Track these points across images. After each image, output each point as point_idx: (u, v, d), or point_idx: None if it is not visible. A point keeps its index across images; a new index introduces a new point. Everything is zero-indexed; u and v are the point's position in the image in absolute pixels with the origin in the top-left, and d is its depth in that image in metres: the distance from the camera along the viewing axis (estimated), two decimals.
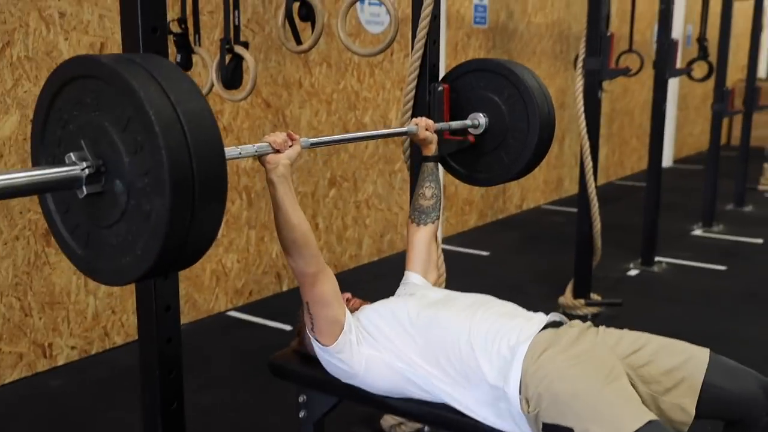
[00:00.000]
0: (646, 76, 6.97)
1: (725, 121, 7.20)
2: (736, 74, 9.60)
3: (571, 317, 1.79)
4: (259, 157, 1.62)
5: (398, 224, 4.90)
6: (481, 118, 2.28)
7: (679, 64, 4.68)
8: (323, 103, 4.22)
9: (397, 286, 2.06)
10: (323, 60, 4.17)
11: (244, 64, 2.66)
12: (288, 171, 1.63)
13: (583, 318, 3.59)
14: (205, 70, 3.01)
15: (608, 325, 1.77)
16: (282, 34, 2.55)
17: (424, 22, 2.27)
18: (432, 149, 2.14)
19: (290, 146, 1.65)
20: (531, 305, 1.85)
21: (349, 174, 4.48)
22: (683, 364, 1.60)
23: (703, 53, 6.14)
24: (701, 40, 6.13)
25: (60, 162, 1.26)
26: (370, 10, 4.43)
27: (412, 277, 2.05)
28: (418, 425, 2.51)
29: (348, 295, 1.94)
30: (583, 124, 3.56)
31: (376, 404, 1.85)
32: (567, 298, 3.77)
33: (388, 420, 2.52)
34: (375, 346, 1.77)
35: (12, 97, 2.81)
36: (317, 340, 1.78)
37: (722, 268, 4.61)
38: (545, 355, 1.58)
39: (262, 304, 3.91)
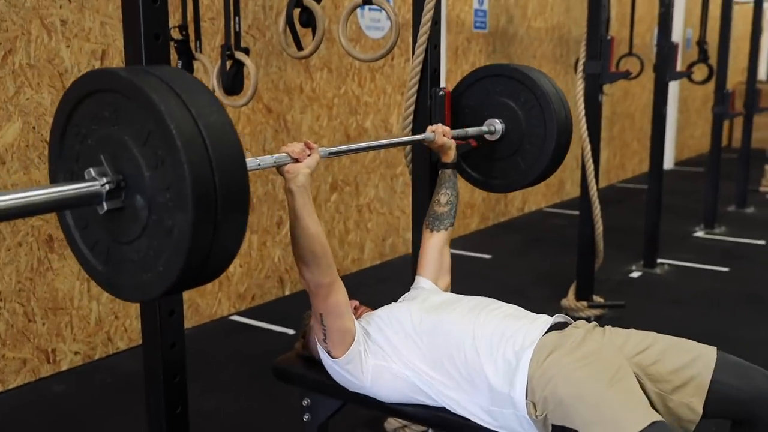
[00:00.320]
0: (646, 79, 6.98)
1: (726, 124, 7.20)
2: (736, 77, 9.61)
3: (574, 319, 1.79)
4: (278, 168, 1.61)
5: (400, 228, 4.90)
6: (497, 124, 2.28)
7: (679, 67, 4.69)
8: (324, 108, 4.23)
9: (400, 289, 2.07)
10: (324, 65, 4.18)
11: (245, 70, 2.67)
12: (308, 181, 1.62)
13: (587, 320, 3.58)
14: (206, 77, 3.02)
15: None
16: (283, 39, 2.56)
17: (424, 27, 2.28)
18: (450, 155, 2.14)
19: (308, 155, 1.64)
20: (533, 308, 1.85)
21: (350, 178, 4.49)
22: (691, 362, 1.60)
23: (703, 56, 6.15)
24: (701, 43, 6.14)
25: (79, 177, 1.23)
26: (370, 15, 4.44)
27: (422, 282, 2.04)
28: (422, 428, 2.52)
29: (356, 302, 1.94)
30: (584, 127, 3.57)
31: (381, 407, 1.85)
32: (569, 300, 3.78)
33: (392, 423, 2.52)
34: (381, 356, 1.76)
35: (14, 105, 2.83)
36: (329, 353, 1.77)
37: (724, 269, 4.61)
38: (551, 358, 1.58)
39: (264, 309, 3.91)
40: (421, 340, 1.74)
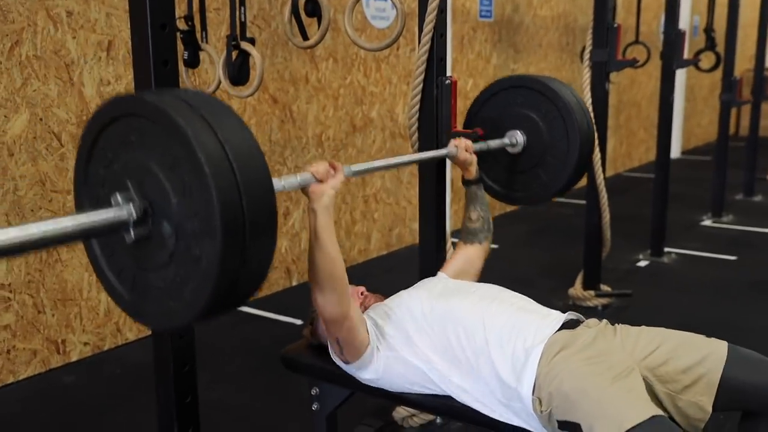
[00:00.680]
0: (653, 67, 6.94)
1: (733, 111, 7.16)
2: (743, 64, 9.53)
3: (581, 309, 1.79)
4: (303, 188, 1.59)
5: (406, 218, 4.90)
6: (519, 136, 2.26)
7: (686, 55, 4.66)
8: (330, 98, 4.22)
9: (406, 279, 2.07)
10: (329, 55, 4.17)
11: (251, 60, 2.66)
12: (332, 202, 1.61)
13: (593, 309, 3.59)
14: (212, 67, 3.02)
15: (618, 316, 1.76)
16: (288, 29, 2.56)
17: (430, 16, 2.27)
18: (472, 171, 2.12)
19: (333, 176, 1.62)
20: (540, 298, 1.85)
21: None
22: (701, 360, 1.59)
23: (710, 43, 6.11)
24: (708, 30, 6.10)
25: (104, 203, 1.21)
26: (375, 5, 4.43)
27: (438, 275, 2.04)
28: (430, 417, 2.53)
29: (362, 289, 1.94)
30: (591, 115, 3.55)
31: (389, 397, 1.86)
32: (577, 289, 3.78)
33: (400, 412, 2.53)
34: (391, 347, 1.76)
35: (21, 96, 2.83)
36: (345, 362, 1.79)
37: (732, 258, 4.60)
38: (559, 355, 1.57)
39: (272, 299, 3.92)
40: (432, 329, 1.74)
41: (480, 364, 1.65)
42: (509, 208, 6.09)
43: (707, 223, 5.57)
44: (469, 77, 5.28)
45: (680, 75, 8.21)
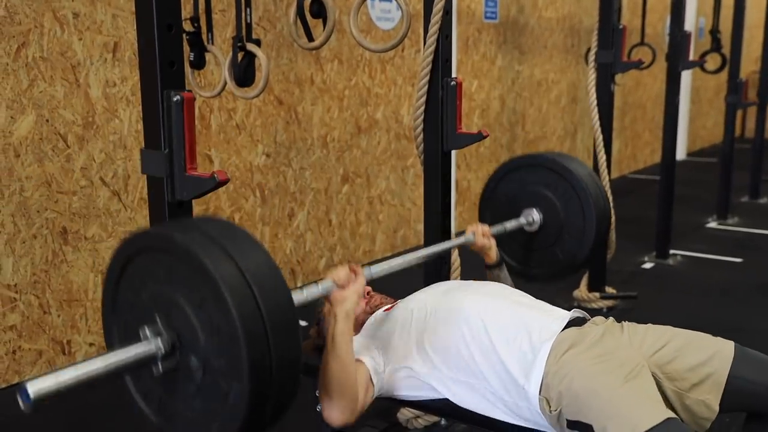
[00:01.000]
0: (658, 68, 6.92)
1: (739, 113, 7.14)
2: (749, 66, 9.51)
3: (586, 311, 1.78)
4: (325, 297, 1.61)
5: (411, 220, 4.90)
6: (535, 214, 2.27)
7: (691, 57, 4.66)
8: (335, 100, 4.23)
9: (411, 280, 2.06)
10: (335, 57, 4.18)
11: (257, 62, 2.67)
12: (354, 307, 1.61)
13: (598, 311, 3.58)
14: (218, 68, 3.02)
15: (624, 319, 1.76)
16: (293, 31, 2.56)
17: (436, 17, 2.27)
18: (492, 256, 2.10)
19: (354, 281, 1.62)
20: (545, 299, 1.84)
21: (361, 170, 4.49)
22: (708, 359, 1.59)
23: (716, 45, 6.09)
24: (714, 31, 6.07)
25: (133, 331, 1.23)
26: (380, 6, 4.43)
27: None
28: (435, 418, 2.52)
29: (368, 288, 1.93)
30: (596, 117, 3.56)
31: (394, 399, 1.85)
32: (582, 291, 3.77)
33: (405, 413, 2.53)
34: (395, 359, 1.75)
35: (28, 98, 2.84)
36: None
37: (738, 260, 4.59)
38: (568, 354, 1.57)
39: None
40: (435, 332, 1.73)
41: (487, 362, 1.64)
42: None
43: (713, 225, 5.55)
44: (474, 78, 5.28)
45: (686, 77, 8.21)
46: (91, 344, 3.17)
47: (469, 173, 5.34)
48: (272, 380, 1.15)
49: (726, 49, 5.90)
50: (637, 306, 3.68)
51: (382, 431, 2.50)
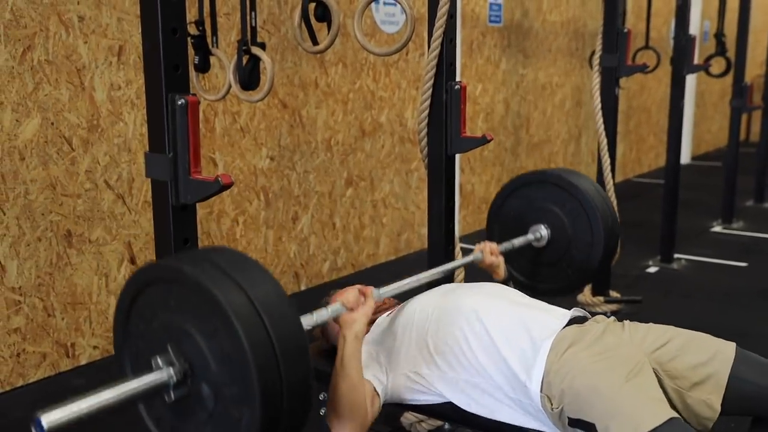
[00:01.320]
0: (663, 72, 6.93)
1: (744, 117, 7.13)
2: (754, 70, 9.49)
3: (591, 315, 1.79)
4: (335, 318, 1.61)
5: (415, 223, 4.90)
6: (542, 230, 2.28)
7: (696, 60, 4.65)
8: (339, 103, 4.23)
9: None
10: (339, 60, 4.18)
11: (261, 65, 2.67)
12: (363, 330, 1.62)
13: (604, 315, 3.57)
14: (223, 72, 3.03)
15: None
16: (298, 34, 2.56)
17: (440, 21, 2.27)
18: (501, 273, 2.12)
19: (363, 303, 1.63)
20: (549, 302, 1.84)
21: (365, 173, 4.49)
22: (710, 359, 1.59)
23: (720, 49, 6.07)
24: (719, 35, 6.06)
25: (144, 358, 1.25)
26: (385, 10, 4.43)
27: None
28: (438, 423, 2.52)
29: (379, 303, 1.93)
30: (601, 121, 3.55)
31: (397, 403, 1.85)
32: (586, 295, 3.76)
33: (408, 417, 2.52)
34: (397, 366, 1.76)
35: (33, 101, 2.85)
36: None
37: (742, 264, 4.57)
38: (569, 351, 1.57)
39: None
40: (436, 333, 1.73)
41: (490, 360, 1.65)
42: None
43: (717, 229, 5.54)
44: (479, 82, 5.28)
45: (690, 80, 8.18)
46: (95, 347, 3.17)
47: (473, 177, 5.33)
48: (283, 406, 1.17)
49: (731, 53, 5.89)
50: (642, 310, 3.66)
51: None
